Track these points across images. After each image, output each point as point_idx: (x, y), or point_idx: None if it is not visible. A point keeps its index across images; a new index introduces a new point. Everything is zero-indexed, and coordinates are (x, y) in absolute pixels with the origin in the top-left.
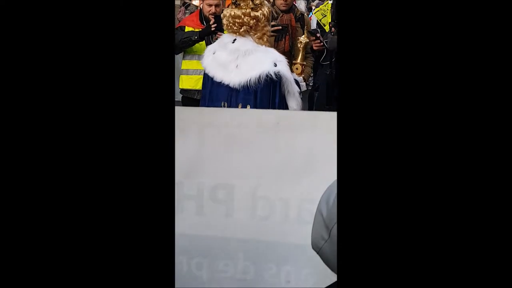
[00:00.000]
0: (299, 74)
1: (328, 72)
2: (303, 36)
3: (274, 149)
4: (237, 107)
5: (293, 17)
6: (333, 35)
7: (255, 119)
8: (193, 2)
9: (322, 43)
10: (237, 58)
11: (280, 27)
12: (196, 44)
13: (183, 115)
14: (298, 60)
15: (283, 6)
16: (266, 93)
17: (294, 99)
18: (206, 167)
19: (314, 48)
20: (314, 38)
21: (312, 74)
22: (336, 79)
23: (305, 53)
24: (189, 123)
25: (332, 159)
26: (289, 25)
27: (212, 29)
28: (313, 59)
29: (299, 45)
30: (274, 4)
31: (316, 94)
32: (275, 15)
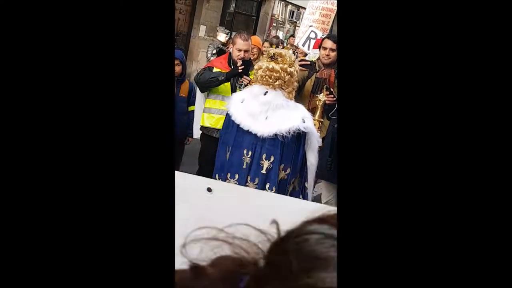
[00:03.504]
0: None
1: (335, 125)
2: (322, 94)
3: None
4: (261, 157)
5: (333, 72)
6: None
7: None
8: (223, 47)
9: (335, 98)
10: (267, 110)
11: (309, 63)
12: (222, 85)
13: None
14: (316, 117)
15: (325, 60)
16: (291, 147)
17: (313, 154)
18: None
19: (327, 102)
20: (328, 92)
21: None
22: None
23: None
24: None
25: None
26: (327, 79)
27: (239, 71)
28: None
29: (317, 103)
30: (319, 58)
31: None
32: (317, 68)
